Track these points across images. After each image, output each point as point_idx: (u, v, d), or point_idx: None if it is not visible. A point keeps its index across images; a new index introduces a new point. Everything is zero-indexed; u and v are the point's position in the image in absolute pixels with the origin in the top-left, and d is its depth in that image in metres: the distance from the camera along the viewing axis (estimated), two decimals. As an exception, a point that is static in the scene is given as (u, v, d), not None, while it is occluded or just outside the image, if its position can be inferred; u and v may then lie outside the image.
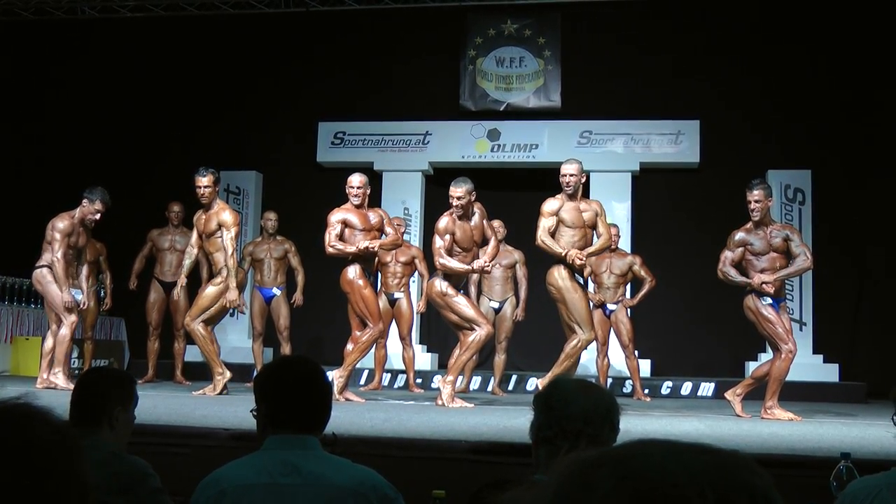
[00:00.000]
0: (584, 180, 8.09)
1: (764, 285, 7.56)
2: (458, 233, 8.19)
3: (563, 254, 7.76)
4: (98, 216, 8.95)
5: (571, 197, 7.96)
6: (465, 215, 8.23)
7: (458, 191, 8.12)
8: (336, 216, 8.50)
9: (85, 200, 8.91)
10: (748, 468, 0.81)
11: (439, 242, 8.16)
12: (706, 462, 0.80)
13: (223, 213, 8.74)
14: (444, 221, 8.22)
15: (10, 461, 0.95)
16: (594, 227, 8.01)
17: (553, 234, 7.91)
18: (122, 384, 3.14)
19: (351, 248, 8.38)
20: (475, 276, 10.17)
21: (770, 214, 7.92)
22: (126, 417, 3.05)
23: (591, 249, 7.91)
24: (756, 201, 7.65)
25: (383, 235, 8.71)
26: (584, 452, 0.83)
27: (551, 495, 0.79)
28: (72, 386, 8.52)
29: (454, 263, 8.13)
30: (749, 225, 7.76)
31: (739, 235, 7.73)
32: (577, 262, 7.72)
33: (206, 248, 8.97)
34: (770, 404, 7.54)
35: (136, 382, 3.24)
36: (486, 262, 8.27)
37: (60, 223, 8.83)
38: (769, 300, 7.64)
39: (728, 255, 7.70)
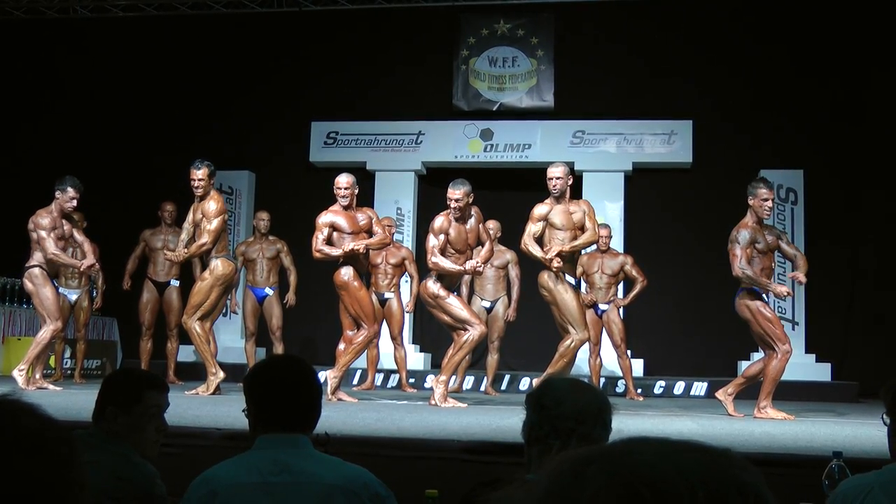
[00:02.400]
0: (570, 182, 8.08)
1: (788, 294, 7.73)
2: (453, 233, 8.19)
3: (543, 258, 7.80)
4: (75, 202, 8.92)
5: (559, 199, 7.98)
6: (462, 217, 8.22)
7: (457, 193, 8.11)
8: (323, 219, 8.46)
9: (57, 193, 8.90)
10: (739, 466, 0.81)
11: (433, 241, 8.14)
12: (697, 459, 0.80)
13: (208, 203, 8.72)
14: (439, 221, 8.20)
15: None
16: (584, 227, 8.02)
17: (542, 238, 7.92)
18: (123, 386, 3.01)
19: (337, 252, 8.34)
20: (467, 276, 10.17)
21: None
22: (127, 421, 2.89)
23: (575, 243, 7.90)
24: (773, 200, 7.65)
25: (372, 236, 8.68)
26: (576, 450, 0.83)
27: (542, 492, 0.79)
28: (30, 388, 8.50)
29: (446, 263, 8.12)
30: (753, 224, 7.68)
31: (750, 234, 7.57)
32: (555, 265, 7.76)
33: (192, 239, 8.92)
34: (764, 404, 7.53)
35: (153, 388, 3.01)
36: (478, 262, 8.26)
37: (41, 220, 8.84)
38: (765, 298, 7.66)
39: (744, 254, 7.59)
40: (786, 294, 7.81)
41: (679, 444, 0.82)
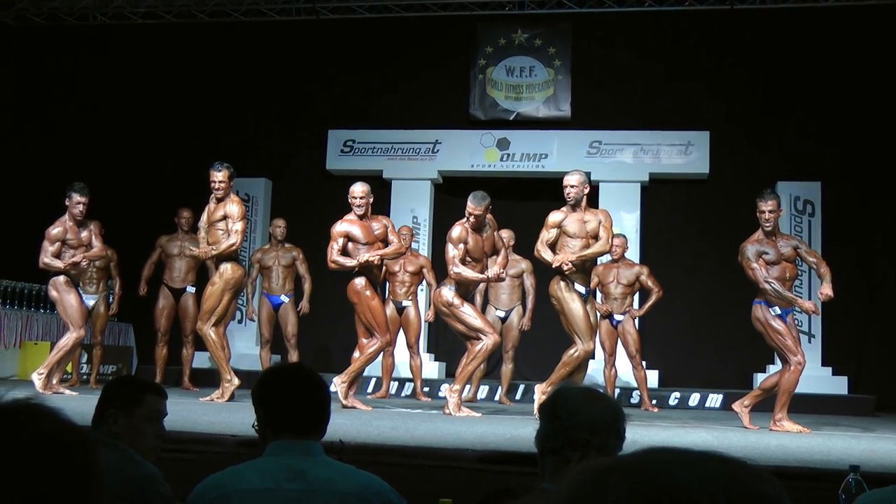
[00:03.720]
0: (587, 191, 8.01)
1: (814, 311, 7.69)
2: (471, 243, 8.16)
3: (552, 262, 7.78)
4: (80, 206, 8.94)
5: (574, 208, 7.94)
6: (478, 226, 8.21)
7: (478, 209, 8.06)
8: (338, 229, 8.45)
9: (66, 201, 8.99)
10: (759, 477, 0.81)
11: (453, 252, 8.08)
12: (718, 469, 0.80)
13: (231, 205, 8.74)
14: (457, 231, 8.14)
15: (19, 457, 0.95)
16: (597, 236, 7.97)
17: (555, 246, 7.90)
18: (127, 389, 3.07)
19: (352, 262, 8.33)
20: (482, 285, 10.17)
21: (777, 224, 7.84)
22: (127, 423, 2.94)
23: (584, 252, 7.84)
24: (770, 211, 7.60)
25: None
26: (596, 459, 0.83)
27: (563, 502, 0.79)
28: (47, 392, 8.52)
29: (468, 272, 8.11)
30: (759, 236, 7.67)
31: (755, 248, 7.58)
32: (565, 268, 7.72)
33: (207, 239, 8.91)
34: (779, 416, 7.49)
35: (154, 393, 3.08)
36: (500, 270, 8.28)
37: (50, 229, 8.95)
38: (778, 310, 7.60)
39: (763, 266, 7.57)
40: (812, 310, 7.78)
41: (700, 454, 0.82)
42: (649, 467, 0.79)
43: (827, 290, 7.58)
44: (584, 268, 8.02)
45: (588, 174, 11.96)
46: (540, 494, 0.78)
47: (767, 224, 7.62)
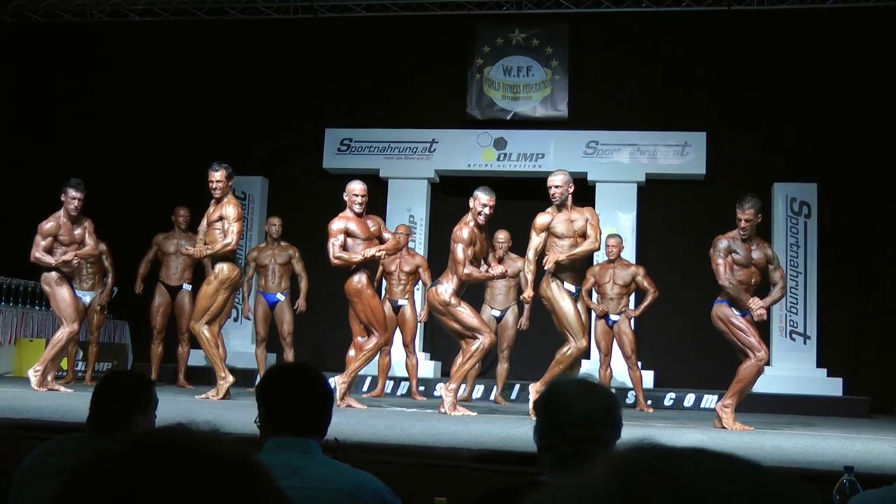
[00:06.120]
0: (572, 190, 7.98)
1: (760, 313, 7.54)
2: (478, 245, 8.16)
3: (544, 264, 7.82)
4: (76, 202, 8.90)
5: (560, 208, 7.93)
6: (485, 224, 8.20)
7: (493, 199, 8.07)
8: (337, 225, 8.43)
9: (62, 197, 8.96)
10: (806, 494, 0.78)
11: (463, 254, 8.03)
12: (763, 483, 0.77)
13: (227, 206, 8.73)
14: (466, 232, 8.07)
15: None
16: (585, 235, 7.95)
17: (544, 248, 7.89)
18: (143, 389, 3.12)
19: (357, 257, 8.32)
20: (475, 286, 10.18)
21: (754, 229, 7.77)
22: (145, 422, 3.01)
23: (572, 252, 7.81)
24: (747, 220, 7.59)
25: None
26: (627, 455, 0.78)
27: (603, 492, 0.73)
28: (42, 389, 8.48)
29: (477, 272, 8.11)
30: (736, 234, 7.66)
31: (726, 243, 7.61)
32: (550, 265, 7.75)
33: (205, 239, 8.91)
34: (728, 402, 7.53)
35: (154, 385, 3.19)
36: (501, 266, 8.30)
37: (43, 223, 8.91)
38: (738, 311, 7.61)
39: (726, 264, 7.59)
40: (762, 318, 7.69)
41: (746, 465, 0.80)
42: (693, 480, 0.75)
43: (768, 302, 7.69)
44: (575, 266, 8.01)
45: (584, 174, 12.02)
46: (567, 484, 0.74)
47: (744, 232, 7.62)
